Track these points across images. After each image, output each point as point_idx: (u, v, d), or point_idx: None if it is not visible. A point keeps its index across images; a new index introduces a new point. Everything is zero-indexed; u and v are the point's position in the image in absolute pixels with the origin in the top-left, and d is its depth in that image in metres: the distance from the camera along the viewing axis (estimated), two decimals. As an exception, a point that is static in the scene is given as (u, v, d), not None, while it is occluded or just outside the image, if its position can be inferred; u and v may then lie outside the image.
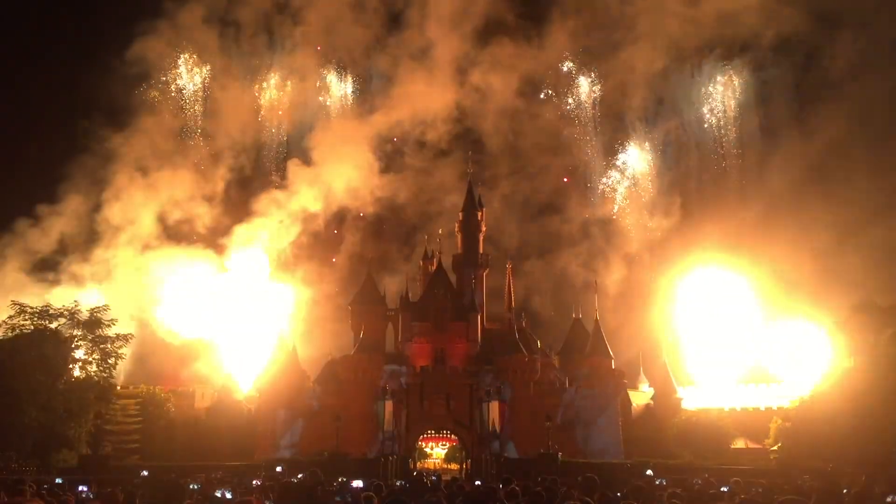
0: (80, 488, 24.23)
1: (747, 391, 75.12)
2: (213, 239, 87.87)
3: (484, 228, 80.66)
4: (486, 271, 79.46)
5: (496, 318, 78.14)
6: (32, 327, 53.31)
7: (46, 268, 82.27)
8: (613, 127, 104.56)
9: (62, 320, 55.46)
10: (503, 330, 72.98)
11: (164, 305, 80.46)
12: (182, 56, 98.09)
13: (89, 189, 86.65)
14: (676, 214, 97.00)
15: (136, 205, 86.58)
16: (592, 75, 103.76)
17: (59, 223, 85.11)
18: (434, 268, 77.20)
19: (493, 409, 65.07)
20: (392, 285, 77.92)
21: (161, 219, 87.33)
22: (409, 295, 74.20)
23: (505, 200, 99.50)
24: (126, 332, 58.80)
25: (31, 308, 54.62)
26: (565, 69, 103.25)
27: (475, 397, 66.06)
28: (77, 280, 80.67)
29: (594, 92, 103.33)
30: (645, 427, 67.83)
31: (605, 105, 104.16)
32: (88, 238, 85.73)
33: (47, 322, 54.09)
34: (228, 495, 19.01)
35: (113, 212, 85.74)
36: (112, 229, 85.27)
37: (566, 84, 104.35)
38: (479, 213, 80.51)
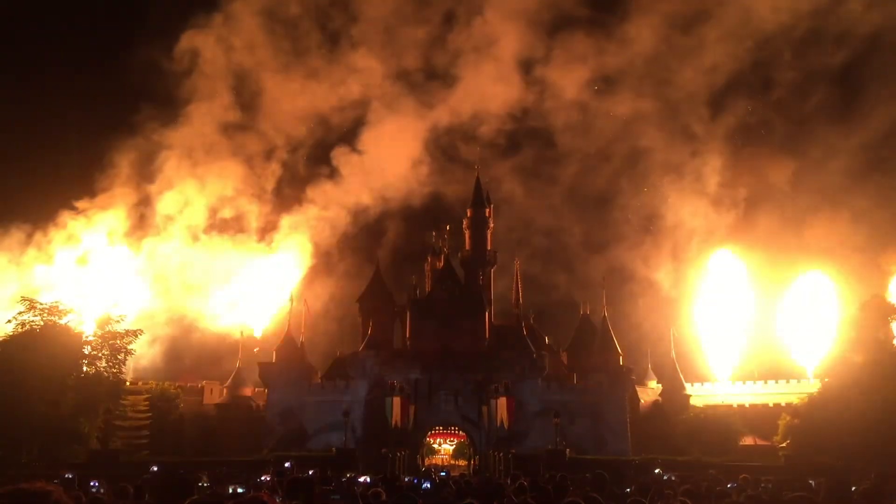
0: (91, 483, 24.38)
1: (756, 387, 74.88)
2: (260, 232, 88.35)
3: (492, 225, 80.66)
4: (494, 268, 79.45)
5: (508, 315, 78.15)
6: (42, 323, 53.53)
7: (92, 260, 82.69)
8: (683, 116, 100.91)
9: (72, 316, 55.69)
10: (511, 326, 72.98)
11: (198, 300, 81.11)
12: (232, 50, 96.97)
13: (136, 182, 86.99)
14: (741, 207, 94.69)
15: (183, 198, 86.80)
16: (664, 66, 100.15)
17: (105, 216, 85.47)
18: (442, 264, 77.30)
19: (501, 405, 65.08)
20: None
21: (208, 213, 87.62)
22: (418, 291, 74.36)
23: (562, 197, 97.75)
24: (135, 328, 59.02)
25: (42, 304, 54.82)
26: (638, 60, 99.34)
27: (483, 393, 66.06)
28: (122, 273, 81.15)
29: (664, 85, 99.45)
30: (653, 423, 67.75)
31: (677, 92, 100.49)
32: (134, 231, 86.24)
33: (57, 318, 54.29)
34: (240, 490, 19.11)
35: (161, 205, 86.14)
36: (159, 223, 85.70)
37: (634, 77, 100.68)
38: (487, 210, 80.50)
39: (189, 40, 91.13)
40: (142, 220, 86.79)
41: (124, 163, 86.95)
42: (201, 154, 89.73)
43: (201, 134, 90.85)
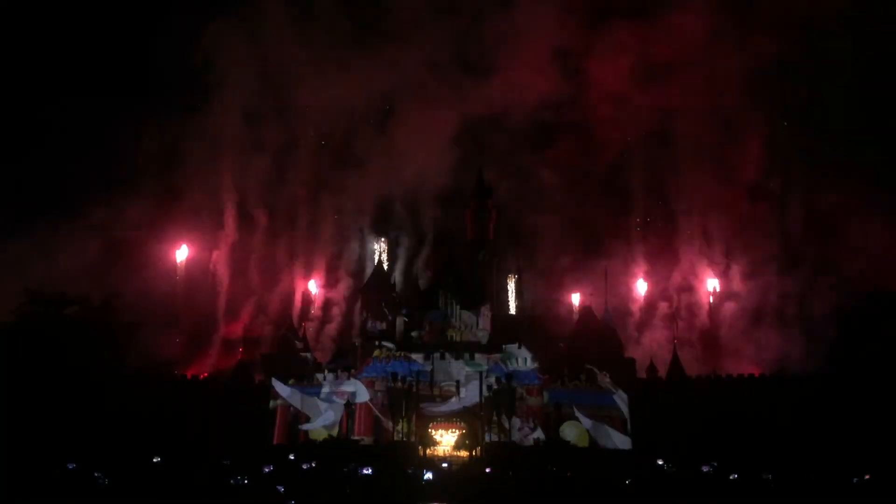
0: (95, 475, 24.59)
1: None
2: (284, 223, 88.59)
3: (494, 216, 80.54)
4: (496, 259, 79.41)
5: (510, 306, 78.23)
6: (45, 314, 53.72)
7: (121, 253, 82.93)
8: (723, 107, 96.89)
9: (75, 307, 55.88)
10: (513, 317, 73.07)
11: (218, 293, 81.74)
12: (259, 39, 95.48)
13: (163, 173, 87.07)
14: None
15: (209, 190, 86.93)
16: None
17: (133, 209, 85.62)
18: (444, 255, 77.39)
19: (503, 396, 65.30)
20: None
21: (235, 204, 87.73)
22: (418, 283, 74.48)
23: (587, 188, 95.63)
24: (137, 321, 59.25)
25: (44, 294, 55.01)
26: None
27: (485, 384, 66.26)
28: (152, 266, 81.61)
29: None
30: (655, 414, 67.77)
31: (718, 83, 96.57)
32: (162, 223, 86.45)
33: (60, 309, 54.49)
34: (245, 482, 19.27)
35: (188, 197, 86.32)
36: (187, 214, 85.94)
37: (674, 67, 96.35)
38: (489, 201, 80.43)
39: (215, 29, 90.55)
40: (169, 210, 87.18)
41: (149, 153, 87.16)
42: (227, 144, 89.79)
43: (227, 124, 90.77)
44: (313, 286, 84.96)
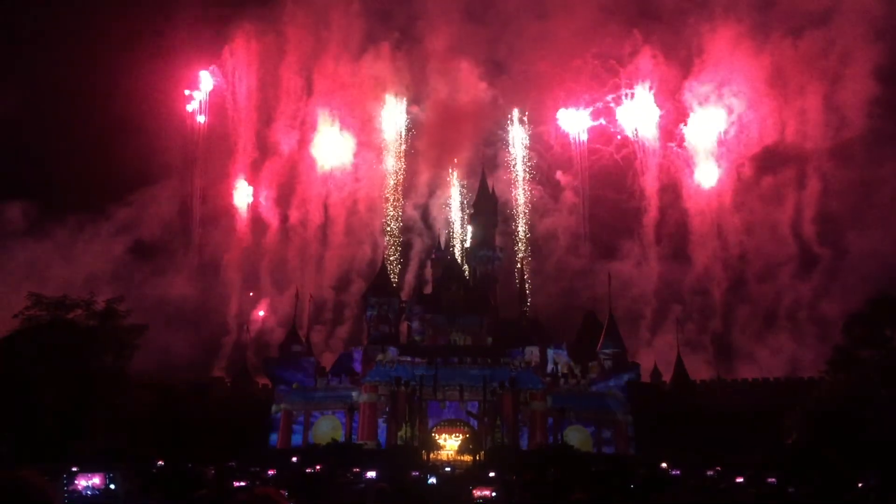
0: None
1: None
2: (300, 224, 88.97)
3: (497, 221, 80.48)
4: (499, 263, 79.33)
5: (514, 310, 78.10)
6: (49, 318, 53.53)
7: (147, 254, 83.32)
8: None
9: (78, 311, 55.64)
10: (516, 322, 72.89)
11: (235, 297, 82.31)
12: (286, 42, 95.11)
13: (186, 174, 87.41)
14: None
15: (230, 193, 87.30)
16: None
17: (158, 209, 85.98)
18: (448, 260, 77.34)
19: (506, 400, 65.14)
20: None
21: (251, 209, 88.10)
22: (423, 287, 74.46)
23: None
24: (141, 324, 59.04)
25: (48, 298, 54.82)
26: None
27: (488, 389, 66.09)
28: (177, 269, 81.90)
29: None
30: (658, 419, 67.53)
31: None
32: (186, 225, 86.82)
33: (63, 313, 54.30)
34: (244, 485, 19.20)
35: (213, 198, 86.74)
36: (211, 216, 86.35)
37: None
38: (493, 206, 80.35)
39: (235, 31, 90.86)
40: (190, 213, 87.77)
41: (174, 157, 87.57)
42: (250, 147, 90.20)
43: (247, 123, 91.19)
44: None
